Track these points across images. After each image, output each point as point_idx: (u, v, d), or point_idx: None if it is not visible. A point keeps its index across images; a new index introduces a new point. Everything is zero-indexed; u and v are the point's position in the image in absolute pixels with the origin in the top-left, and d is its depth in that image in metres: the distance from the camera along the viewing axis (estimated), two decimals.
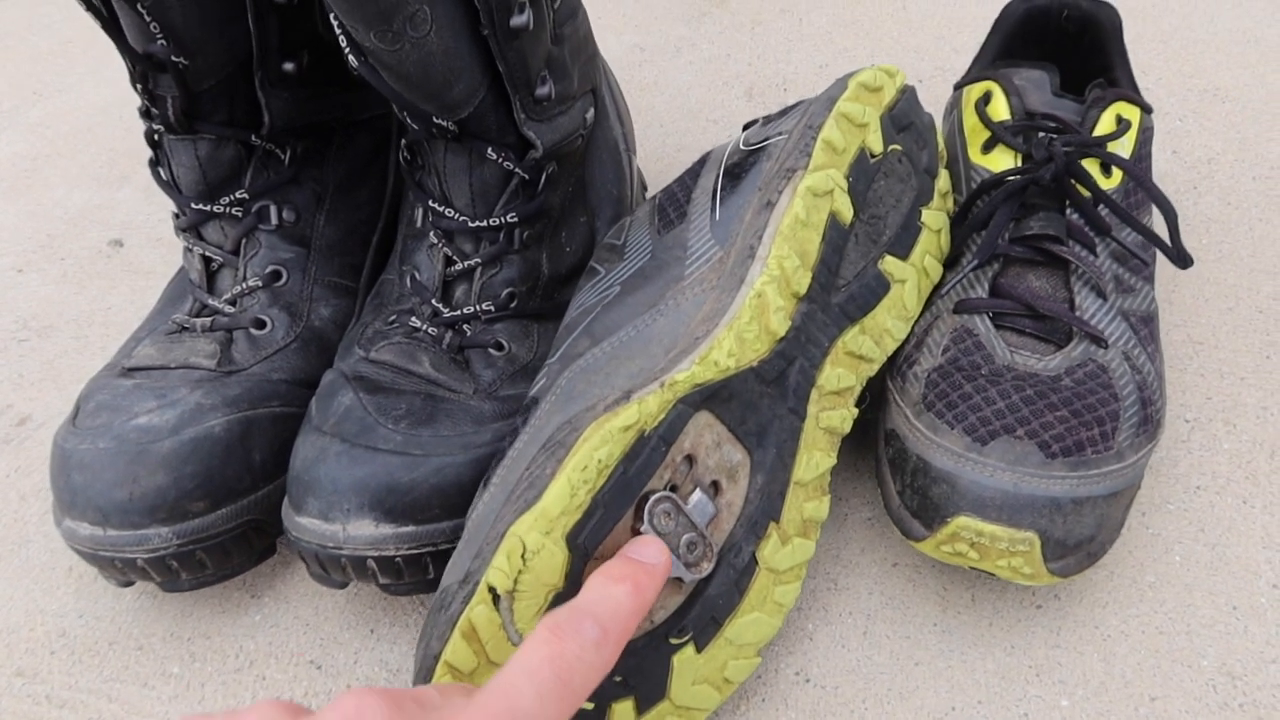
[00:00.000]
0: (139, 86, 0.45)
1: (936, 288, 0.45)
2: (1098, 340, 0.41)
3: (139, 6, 0.40)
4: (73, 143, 0.78)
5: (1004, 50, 0.55)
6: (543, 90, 0.45)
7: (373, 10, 0.37)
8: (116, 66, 0.88)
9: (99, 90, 0.85)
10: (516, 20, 0.41)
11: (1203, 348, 0.51)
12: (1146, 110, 0.48)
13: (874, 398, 0.44)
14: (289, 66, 0.46)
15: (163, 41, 0.42)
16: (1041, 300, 0.42)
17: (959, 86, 0.52)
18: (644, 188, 0.63)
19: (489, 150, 0.44)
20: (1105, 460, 0.38)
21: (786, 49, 0.77)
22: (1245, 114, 0.66)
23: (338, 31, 0.39)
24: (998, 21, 0.55)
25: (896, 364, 0.43)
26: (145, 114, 0.47)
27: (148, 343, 0.47)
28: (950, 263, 0.46)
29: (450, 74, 0.41)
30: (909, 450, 0.40)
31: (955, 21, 0.77)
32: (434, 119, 0.43)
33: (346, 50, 0.40)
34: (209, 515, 0.41)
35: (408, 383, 0.43)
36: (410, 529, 0.39)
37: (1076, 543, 0.38)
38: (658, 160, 0.68)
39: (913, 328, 0.44)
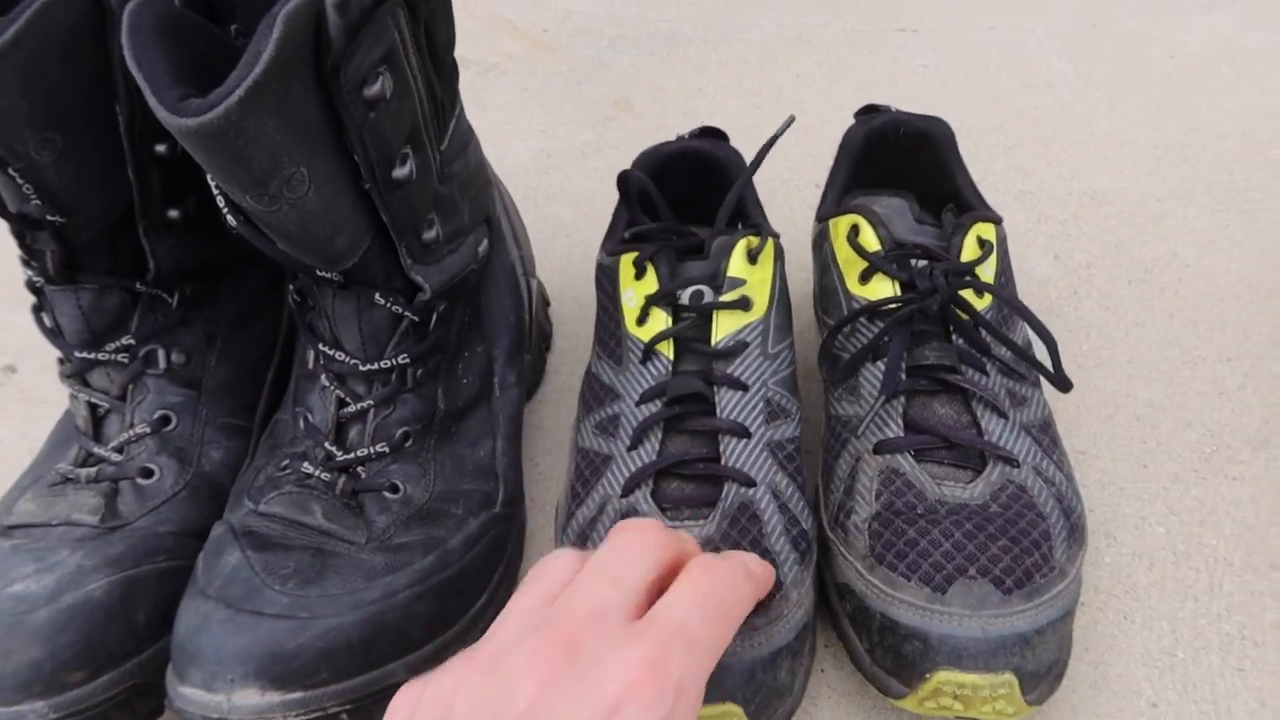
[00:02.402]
0: (16, 239, 0.44)
1: (847, 424, 0.46)
2: (1009, 461, 0.43)
3: (9, 170, 0.40)
4: None
5: (853, 173, 0.57)
6: (429, 234, 0.45)
7: (246, 177, 0.37)
8: None
9: None
10: (399, 172, 0.42)
11: (1084, 457, 0.53)
12: (998, 222, 0.51)
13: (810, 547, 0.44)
14: (174, 214, 0.46)
15: (37, 202, 0.41)
16: (953, 430, 0.44)
17: (822, 219, 0.54)
18: (546, 303, 0.64)
19: (376, 296, 0.45)
20: (1052, 582, 0.40)
21: None
22: (1120, 217, 0.69)
23: (214, 191, 0.39)
24: (842, 146, 0.58)
25: (832, 513, 0.45)
26: (25, 263, 0.46)
27: (29, 496, 0.46)
28: (843, 391, 0.48)
29: (332, 229, 0.41)
30: (870, 608, 0.41)
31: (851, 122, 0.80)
32: (318, 271, 0.43)
33: (224, 210, 0.40)
34: (88, 685, 0.40)
35: (298, 535, 0.42)
36: (298, 695, 0.38)
37: (1046, 669, 0.40)
38: (561, 273, 0.68)
39: (835, 471, 0.45)
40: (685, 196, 0.55)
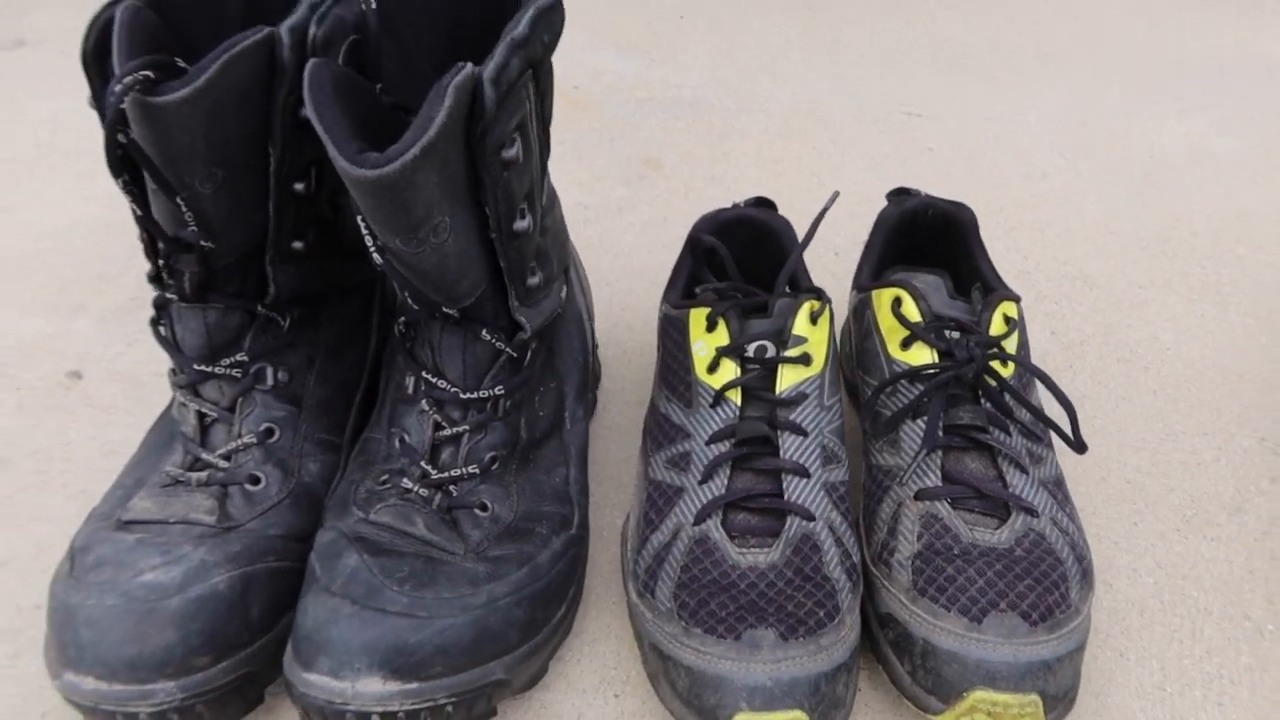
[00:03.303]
0: (157, 260, 0.48)
1: (889, 473, 0.52)
2: (1030, 511, 0.49)
3: (176, 199, 0.44)
4: (22, 267, 0.79)
5: (887, 247, 0.64)
6: (533, 280, 0.50)
7: (404, 223, 0.42)
8: (61, 189, 0.89)
9: (46, 213, 0.86)
10: (519, 224, 0.47)
11: (1083, 514, 0.60)
12: (1018, 301, 0.58)
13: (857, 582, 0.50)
14: (298, 245, 0.51)
15: (194, 229, 0.46)
16: (983, 483, 0.50)
17: (864, 289, 0.60)
18: (595, 347, 0.69)
19: (484, 332, 0.50)
20: (1070, 618, 0.46)
21: None
22: (1109, 300, 0.77)
23: (364, 233, 0.44)
24: (878, 223, 0.64)
25: (875, 550, 0.50)
26: (155, 280, 0.50)
27: (144, 495, 0.49)
28: (883, 443, 0.54)
29: (461, 272, 0.46)
30: (913, 634, 0.46)
31: (867, 196, 0.87)
32: (441, 306, 0.48)
33: (371, 249, 0.45)
34: (211, 669, 0.44)
35: (406, 544, 0.47)
36: (414, 685, 0.42)
37: (1064, 693, 0.45)
38: (604, 319, 0.74)
39: (878, 513, 0.51)
40: (738, 257, 0.61)
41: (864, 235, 0.82)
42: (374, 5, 0.46)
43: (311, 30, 0.45)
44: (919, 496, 0.50)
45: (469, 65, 0.42)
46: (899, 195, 0.65)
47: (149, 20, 0.44)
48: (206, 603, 0.44)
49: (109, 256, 0.81)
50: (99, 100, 0.46)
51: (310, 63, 0.42)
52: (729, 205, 0.65)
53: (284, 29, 0.45)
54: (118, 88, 0.40)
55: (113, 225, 0.84)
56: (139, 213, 0.44)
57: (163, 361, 0.69)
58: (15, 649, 0.52)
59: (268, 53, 0.44)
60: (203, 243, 0.46)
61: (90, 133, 0.98)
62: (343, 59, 0.45)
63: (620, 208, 0.86)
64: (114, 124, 0.40)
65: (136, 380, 0.69)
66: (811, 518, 0.49)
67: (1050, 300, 0.77)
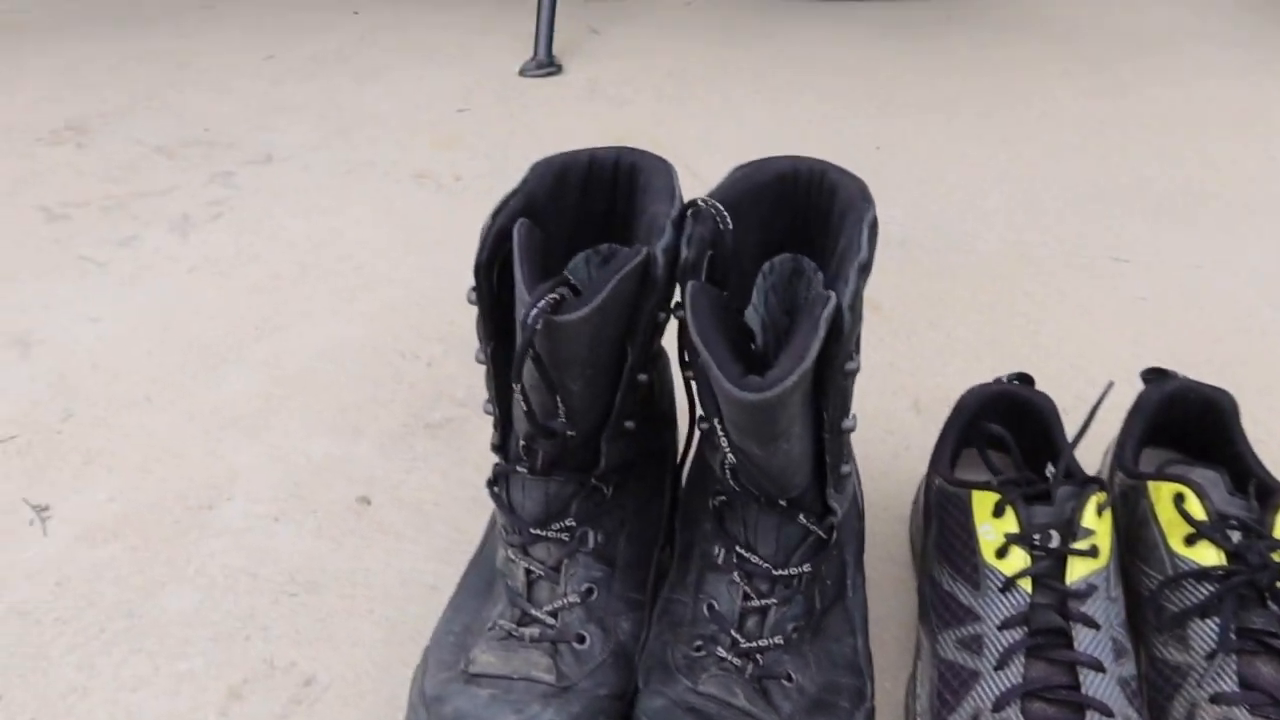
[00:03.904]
0: (517, 442, 0.54)
1: (1178, 670, 0.54)
2: None
3: (556, 395, 0.50)
4: (301, 386, 0.87)
5: (1147, 431, 0.66)
6: (845, 469, 0.55)
7: (768, 434, 0.47)
8: (325, 308, 0.98)
9: (314, 331, 0.95)
10: (846, 423, 0.52)
11: None
12: None
13: None
14: (629, 424, 0.56)
15: (562, 420, 0.52)
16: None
17: (1134, 476, 0.62)
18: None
19: (800, 515, 0.54)
20: None
21: (941, 362, 0.88)
22: None
23: (722, 440, 0.49)
24: (1138, 406, 0.66)
25: None
26: (498, 450, 0.56)
27: (483, 648, 0.54)
28: (1169, 638, 0.56)
29: (797, 468, 0.51)
30: None
31: (1085, 347, 0.90)
32: (773, 497, 0.52)
33: (726, 449, 0.50)
34: None
35: (730, 715, 0.51)
36: None
37: None
38: None
39: (1170, 711, 0.53)
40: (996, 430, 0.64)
41: (1087, 391, 0.84)
42: (730, 225, 0.51)
43: (684, 253, 0.50)
44: (1215, 700, 0.52)
45: (833, 296, 0.47)
46: (1157, 376, 0.68)
47: (537, 236, 0.51)
48: None
49: (377, 379, 0.88)
50: (481, 299, 0.52)
51: (691, 286, 0.48)
52: (992, 379, 0.68)
53: (658, 250, 0.50)
54: (534, 311, 0.46)
55: (376, 347, 0.92)
56: (525, 408, 0.50)
57: (440, 491, 0.77)
58: None
59: (643, 270, 0.50)
60: (568, 431, 0.52)
61: (345, 254, 1.07)
62: (705, 273, 0.51)
63: None
64: (528, 341, 0.46)
65: (419, 509, 0.75)
66: (1110, 714, 0.51)
67: None
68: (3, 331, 0.95)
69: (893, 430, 0.81)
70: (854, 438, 0.80)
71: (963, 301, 0.97)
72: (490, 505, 0.73)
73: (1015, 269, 1.02)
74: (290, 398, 0.86)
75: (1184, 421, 0.67)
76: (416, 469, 0.79)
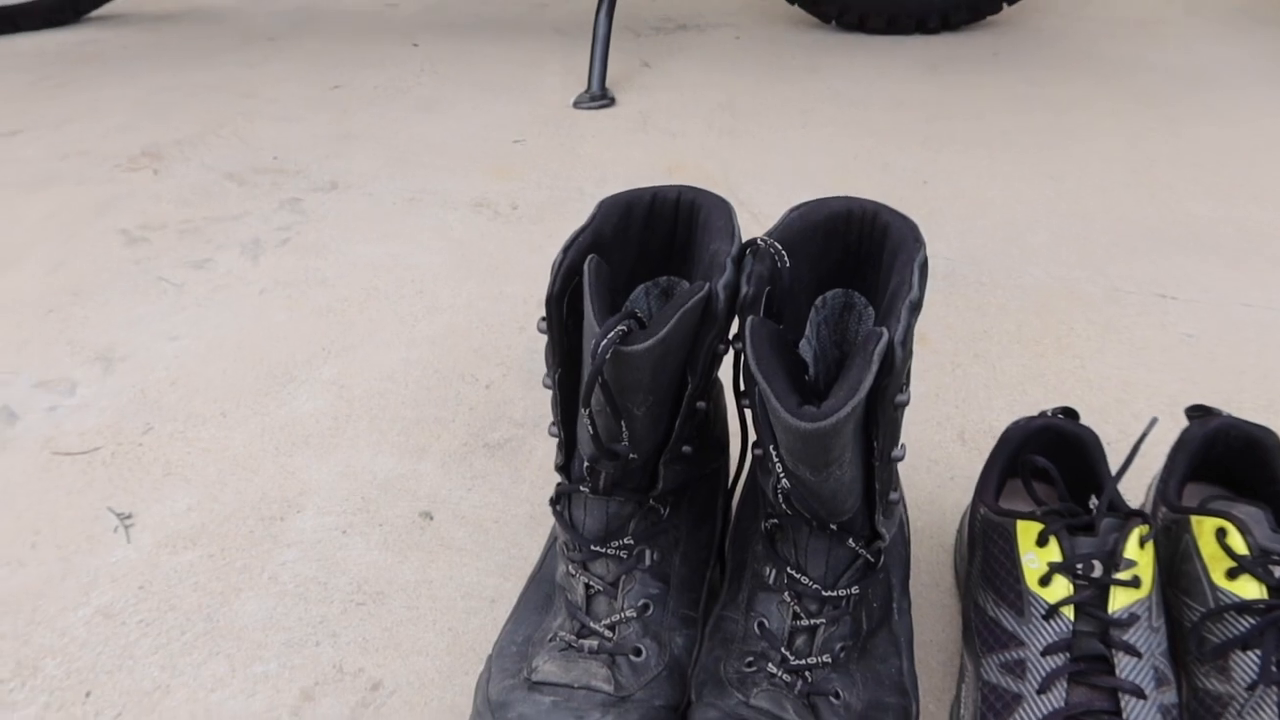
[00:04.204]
0: (580, 463, 0.57)
1: (1219, 700, 0.56)
2: None
3: (620, 420, 0.53)
4: (368, 406, 0.92)
5: (1191, 467, 0.67)
6: (894, 496, 0.57)
7: (821, 461, 0.50)
8: (390, 331, 1.02)
9: (378, 354, 0.99)
10: (895, 452, 0.54)
11: None
12: None
13: None
14: (687, 449, 0.59)
15: (625, 444, 0.55)
16: None
17: (1177, 510, 0.64)
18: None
19: (849, 540, 0.56)
20: None
21: (987, 395, 0.90)
22: None
23: (776, 466, 0.52)
24: (1182, 442, 0.68)
25: None
26: (562, 470, 0.59)
27: (544, 658, 0.57)
28: (1210, 669, 0.57)
29: (848, 493, 0.53)
30: None
31: (1130, 383, 0.91)
32: (824, 521, 0.55)
33: (780, 474, 0.52)
34: None
35: None
36: None
37: None
38: None
39: None
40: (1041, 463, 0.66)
41: (1132, 426, 0.86)
42: (787, 264, 0.54)
43: (743, 289, 0.54)
44: None
45: (885, 332, 0.49)
46: (1201, 414, 0.69)
47: (605, 272, 0.54)
48: None
49: (438, 401, 0.92)
50: (551, 329, 0.55)
51: (750, 321, 0.51)
52: (1035, 413, 0.70)
53: (720, 286, 0.53)
54: (604, 342, 0.49)
55: (438, 369, 0.96)
56: (592, 432, 0.53)
57: (499, 508, 0.80)
58: None
59: (705, 305, 0.53)
60: (630, 454, 0.55)
61: (408, 279, 1.12)
62: (762, 310, 0.54)
63: None
64: (598, 370, 0.49)
65: (480, 525, 0.79)
66: None
67: None
68: (88, 348, 1.00)
69: (938, 460, 0.83)
70: (900, 466, 0.82)
71: (1008, 335, 0.99)
72: (547, 523, 0.77)
73: (1060, 304, 1.04)
74: (357, 417, 0.90)
75: (1228, 458, 0.68)
76: (476, 486, 0.82)
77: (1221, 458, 0.68)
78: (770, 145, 1.43)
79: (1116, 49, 1.80)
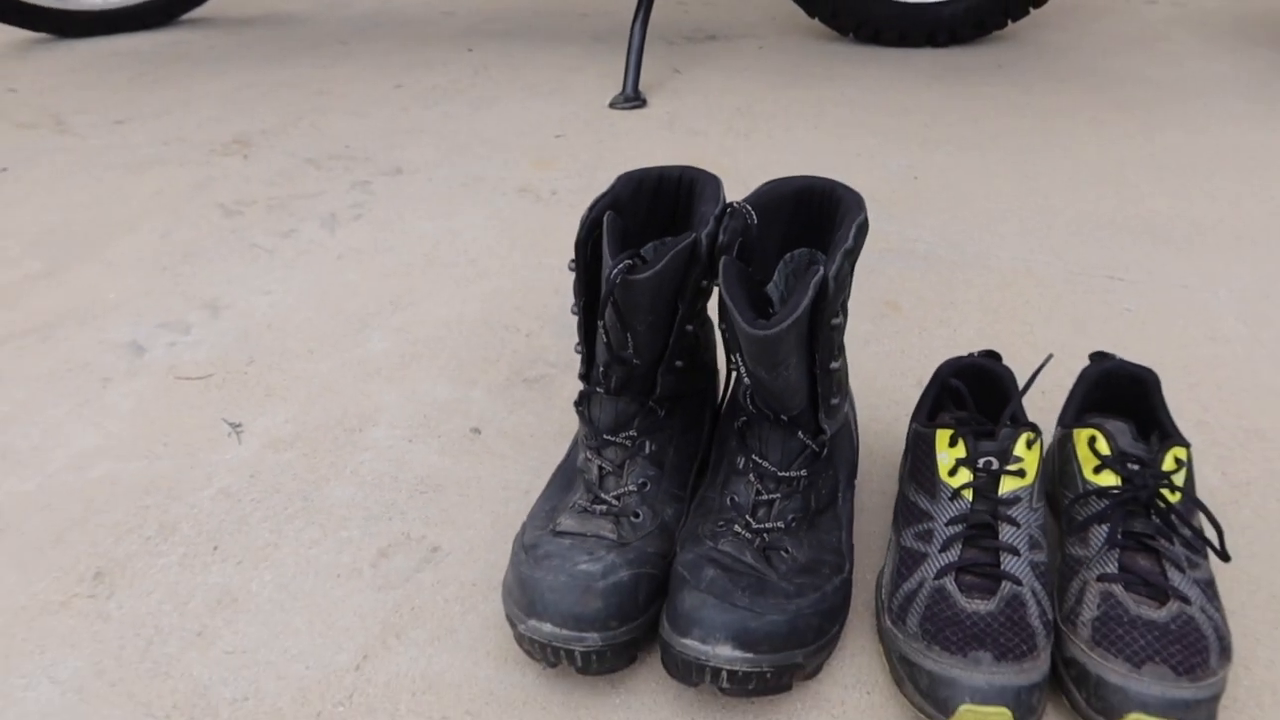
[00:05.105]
0: (596, 368, 0.76)
1: (1079, 560, 0.73)
2: (1184, 599, 0.68)
3: (627, 333, 0.72)
4: (430, 347, 1.11)
5: (1086, 397, 0.84)
6: (834, 400, 0.75)
7: (771, 362, 0.68)
8: (447, 291, 1.21)
9: (437, 309, 1.18)
10: (833, 364, 0.72)
11: (1233, 615, 0.77)
12: (1186, 445, 0.77)
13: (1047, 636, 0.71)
14: (679, 363, 0.77)
15: (630, 352, 0.73)
16: (1150, 575, 0.70)
17: (1067, 427, 0.81)
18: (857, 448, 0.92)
19: (799, 433, 0.74)
20: (1208, 676, 0.65)
21: (945, 351, 1.07)
22: (1276, 451, 0.93)
23: (738, 364, 0.70)
24: (1081, 378, 0.85)
25: (1064, 613, 0.71)
26: (584, 378, 0.78)
27: (567, 516, 0.76)
28: (1075, 539, 0.74)
29: (794, 393, 0.71)
30: (1089, 672, 0.66)
31: (1070, 347, 1.08)
32: (778, 413, 0.73)
33: (743, 373, 0.70)
34: (617, 630, 0.69)
35: (741, 567, 0.71)
36: (751, 656, 0.66)
37: None
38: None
39: (1068, 588, 0.71)
40: (970, 392, 0.84)
41: (1066, 381, 1.03)
42: (755, 221, 0.72)
43: (720, 237, 0.72)
44: (1100, 579, 0.70)
45: (821, 268, 0.67)
46: (1099, 357, 0.86)
47: (619, 224, 0.72)
48: (618, 588, 0.70)
49: (487, 345, 1.11)
50: (578, 267, 0.74)
51: (723, 260, 0.69)
52: (965, 353, 0.87)
53: (703, 235, 0.72)
54: (614, 272, 0.68)
55: (486, 321, 1.15)
56: (605, 340, 0.72)
57: (534, 427, 0.98)
58: (464, 609, 0.79)
59: (692, 248, 0.71)
60: (634, 360, 0.73)
61: (462, 250, 1.31)
62: (736, 253, 0.72)
63: (866, 340, 1.10)
64: (610, 292, 0.68)
65: (518, 439, 0.97)
66: (1019, 583, 0.70)
67: (1224, 447, 0.94)
68: (197, 298, 1.21)
69: (898, 401, 1.00)
70: (866, 405, 1.00)
71: (971, 305, 1.16)
72: (570, 434, 0.95)
73: (1020, 281, 1.20)
74: (420, 355, 1.09)
75: (1118, 391, 0.85)
76: (516, 410, 1.01)
77: (1113, 391, 0.85)
78: (782, 144, 1.61)
79: (1112, 63, 1.96)
